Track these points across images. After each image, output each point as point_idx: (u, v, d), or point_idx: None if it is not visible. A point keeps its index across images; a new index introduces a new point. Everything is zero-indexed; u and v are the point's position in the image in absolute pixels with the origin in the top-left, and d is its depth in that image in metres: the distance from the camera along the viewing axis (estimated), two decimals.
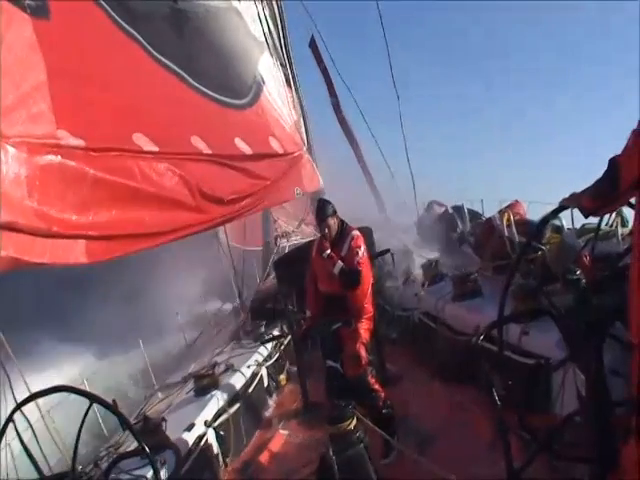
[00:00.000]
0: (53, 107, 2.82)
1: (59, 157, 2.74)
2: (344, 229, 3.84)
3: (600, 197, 1.94)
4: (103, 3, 3.62)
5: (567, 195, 2.22)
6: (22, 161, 2.51)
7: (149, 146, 3.50)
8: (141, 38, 3.96)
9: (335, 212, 3.85)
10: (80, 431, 2.25)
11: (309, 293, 4.05)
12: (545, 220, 2.65)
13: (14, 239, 2.40)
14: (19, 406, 2.47)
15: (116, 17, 3.75)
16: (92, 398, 2.34)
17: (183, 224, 3.65)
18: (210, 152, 4.12)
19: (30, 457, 2.35)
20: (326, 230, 3.79)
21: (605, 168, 1.87)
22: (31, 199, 2.52)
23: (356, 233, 3.84)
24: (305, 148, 6.02)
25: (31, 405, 2.53)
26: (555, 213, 2.40)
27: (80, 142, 2.92)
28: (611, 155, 1.86)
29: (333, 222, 3.80)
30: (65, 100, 2.92)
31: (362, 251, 3.74)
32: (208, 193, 3.85)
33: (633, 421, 1.78)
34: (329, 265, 3.71)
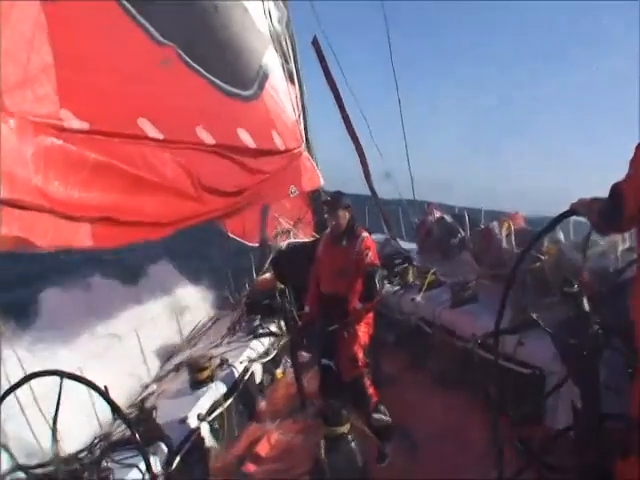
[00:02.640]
0: (58, 88, 2.79)
1: (61, 140, 2.71)
2: (354, 229, 3.76)
3: (605, 220, 1.96)
4: None
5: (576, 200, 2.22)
6: (27, 139, 2.49)
7: (153, 133, 3.48)
8: (148, 24, 3.93)
9: (348, 206, 3.77)
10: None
11: (311, 292, 4.01)
12: (549, 226, 2.60)
13: (18, 217, 2.39)
14: (14, 387, 2.46)
15: (124, 2, 3.73)
16: (86, 383, 2.35)
17: (183, 215, 3.63)
18: (213, 142, 4.10)
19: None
20: (334, 222, 3.73)
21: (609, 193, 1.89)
22: (35, 177, 2.50)
23: (366, 235, 3.77)
24: (304, 145, 6.01)
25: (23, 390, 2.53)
26: (562, 217, 2.38)
27: (84, 124, 2.90)
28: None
29: (344, 215, 3.72)
30: (70, 81, 2.88)
31: (372, 252, 3.67)
32: (208, 185, 3.83)
33: (633, 438, 1.81)
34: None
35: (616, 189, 1.86)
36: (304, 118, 6.40)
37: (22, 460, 2.60)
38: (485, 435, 3.04)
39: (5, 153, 2.35)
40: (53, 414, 2.38)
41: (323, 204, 5.04)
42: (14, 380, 2.52)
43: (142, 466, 2.69)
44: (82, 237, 2.76)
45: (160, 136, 3.51)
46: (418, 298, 5.33)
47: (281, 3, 6.30)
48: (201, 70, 4.38)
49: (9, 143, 2.39)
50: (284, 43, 6.29)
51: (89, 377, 2.46)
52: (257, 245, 7.56)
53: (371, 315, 3.82)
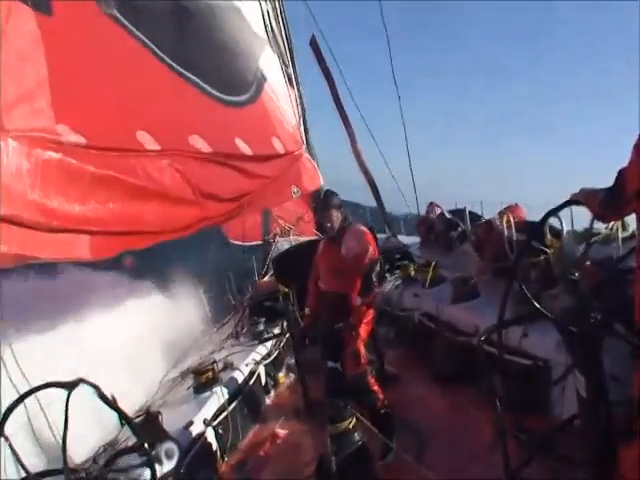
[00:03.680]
0: (54, 103, 2.81)
1: (59, 153, 2.74)
2: (348, 226, 3.73)
3: (607, 206, 1.99)
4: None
5: (577, 190, 2.23)
6: (23, 155, 2.52)
7: (152, 144, 3.50)
8: (143, 36, 3.95)
9: (341, 206, 3.73)
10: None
11: (311, 292, 4.02)
12: (548, 215, 2.60)
13: (16, 233, 2.41)
14: (18, 401, 2.47)
15: (118, 15, 3.74)
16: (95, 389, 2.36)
17: (183, 222, 3.65)
18: (210, 151, 4.12)
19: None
20: (328, 222, 3.69)
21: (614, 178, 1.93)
22: (33, 193, 2.53)
23: (363, 229, 3.73)
24: (305, 147, 6.02)
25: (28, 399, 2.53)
26: (561, 207, 2.38)
27: (80, 139, 2.91)
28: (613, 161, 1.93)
29: (336, 215, 3.68)
30: (66, 96, 2.91)
31: (372, 248, 3.60)
32: (208, 191, 3.85)
33: (636, 423, 1.80)
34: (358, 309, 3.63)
35: (620, 171, 1.89)
36: (304, 120, 6.42)
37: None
38: (491, 428, 3.02)
39: (2, 170, 2.37)
40: (63, 422, 2.37)
41: (314, 205, 5.02)
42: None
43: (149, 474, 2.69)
44: (80, 249, 2.79)
45: (158, 147, 3.53)
46: (421, 293, 5.33)
47: (278, 4, 6.31)
48: (196, 80, 4.39)
49: (6, 160, 2.40)
50: (282, 45, 6.30)
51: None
52: (259, 246, 7.60)
53: (372, 311, 3.81)
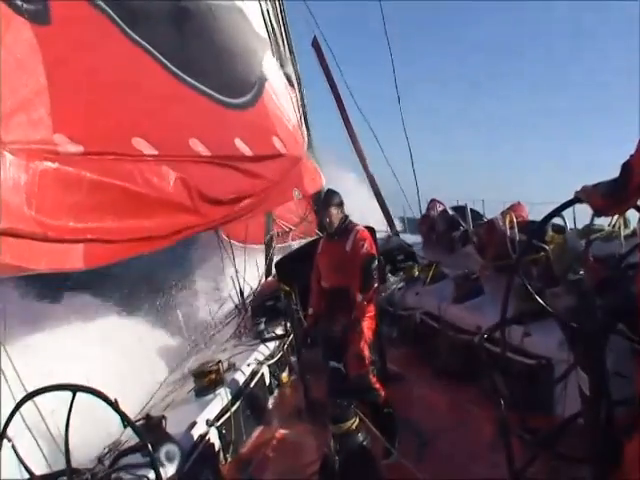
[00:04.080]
0: (52, 112, 2.81)
1: (56, 163, 2.74)
2: (347, 225, 3.77)
3: (611, 197, 1.98)
4: (104, 5, 3.60)
5: (579, 188, 2.23)
6: (21, 168, 2.53)
7: (149, 150, 3.49)
8: (142, 40, 3.94)
9: (341, 204, 3.77)
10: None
11: (314, 292, 4.03)
12: (551, 215, 2.60)
13: (12, 245, 2.42)
14: (22, 402, 2.47)
15: (117, 19, 3.73)
16: (98, 395, 2.36)
17: (183, 227, 3.65)
18: (209, 154, 4.11)
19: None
20: (327, 219, 3.73)
21: (619, 171, 1.92)
22: (29, 206, 2.54)
23: (360, 228, 3.78)
24: (307, 148, 6.02)
25: (29, 403, 2.54)
26: (565, 206, 2.38)
27: (78, 147, 2.92)
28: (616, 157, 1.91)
29: (336, 213, 3.72)
30: (64, 104, 2.91)
31: (367, 243, 3.67)
32: (208, 195, 3.84)
33: (638, 420, 1.80)
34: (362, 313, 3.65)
35: (625, 163, 1.88)
36: (305, 120, 6.41)
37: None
38: (493, 427, 3.02)
39: (0, 183, 2.37)
40: (64, 425, 2.37)
41: (315, 203, 5.03)
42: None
43: (153, 475, 2.68)
44: (74, 259, 2.80)
45: (155, 152, 3.53)
46: (422, 291, 5.32)
47: (278, 4, 6.31)
48: (195, 82, 4.39)
49: (3, 174, 2.42)
50: (282, 46, 6.30)
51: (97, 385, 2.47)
52: (260, 247, 7.60)
53: (374, 309, 3.81)
